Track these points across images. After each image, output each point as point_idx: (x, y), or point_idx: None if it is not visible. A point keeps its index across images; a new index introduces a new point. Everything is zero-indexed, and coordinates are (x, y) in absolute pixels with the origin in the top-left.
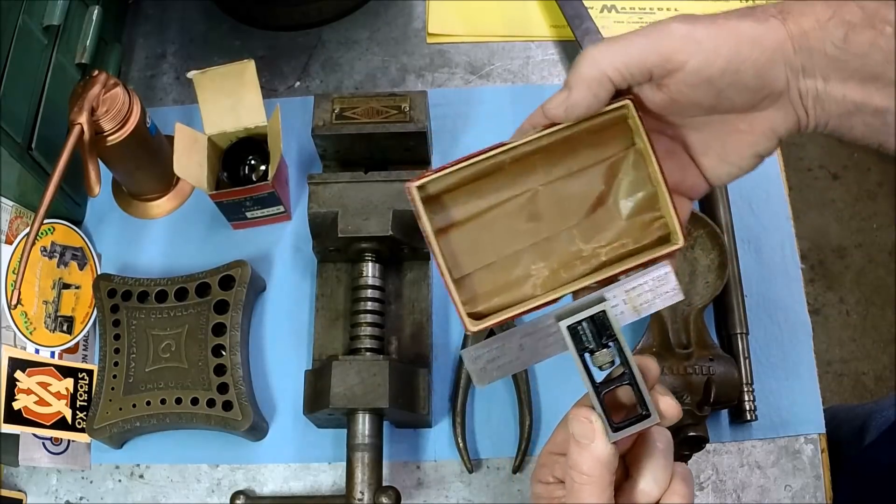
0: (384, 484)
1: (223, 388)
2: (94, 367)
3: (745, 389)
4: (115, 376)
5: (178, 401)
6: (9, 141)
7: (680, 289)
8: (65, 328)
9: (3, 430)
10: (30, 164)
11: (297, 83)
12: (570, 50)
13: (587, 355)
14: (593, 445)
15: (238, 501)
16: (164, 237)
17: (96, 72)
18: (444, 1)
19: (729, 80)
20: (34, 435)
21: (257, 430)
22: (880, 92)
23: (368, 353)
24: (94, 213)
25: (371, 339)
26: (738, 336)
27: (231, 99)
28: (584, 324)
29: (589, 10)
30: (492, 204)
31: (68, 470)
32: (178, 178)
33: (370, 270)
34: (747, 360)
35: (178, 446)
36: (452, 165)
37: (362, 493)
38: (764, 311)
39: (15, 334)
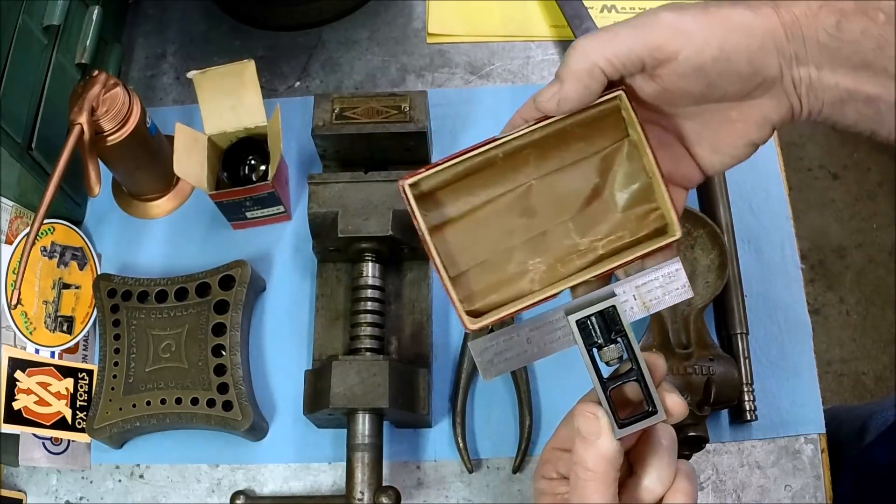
0: (384, 484)
1: (223, 388)
2: (94, 367)
3: (745, 389)
4: (115, 376)
5: (178, 401)
6: (9, 141)
7: (689, 286)
8: (65, 328)
9: (3, 430)
10: (30, 164)
11: (297, 83)
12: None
13: (595, 350)
14: (599, 441)
15: (238, 501)
16: (164, 237)
17: (96, 72)
18: (444, 1)
19: (721, 68)
20: (34, 435)
21: (257, 430)
22: (872, 80)
23: (368, 353)
24: (94, 213)
25: (371, 339)
26: (738, 336)
27: (231, 99)
28: (593, 319)
29: (589, 10)
30: (485, 200)
31: (68, 470)
32: (178, 178)
33: (370, 270)
34: (747, 360)
35: (178, 446)
36: (444, 162)
37: (362, 493)
38: (764, 311)
39: (15, 334)
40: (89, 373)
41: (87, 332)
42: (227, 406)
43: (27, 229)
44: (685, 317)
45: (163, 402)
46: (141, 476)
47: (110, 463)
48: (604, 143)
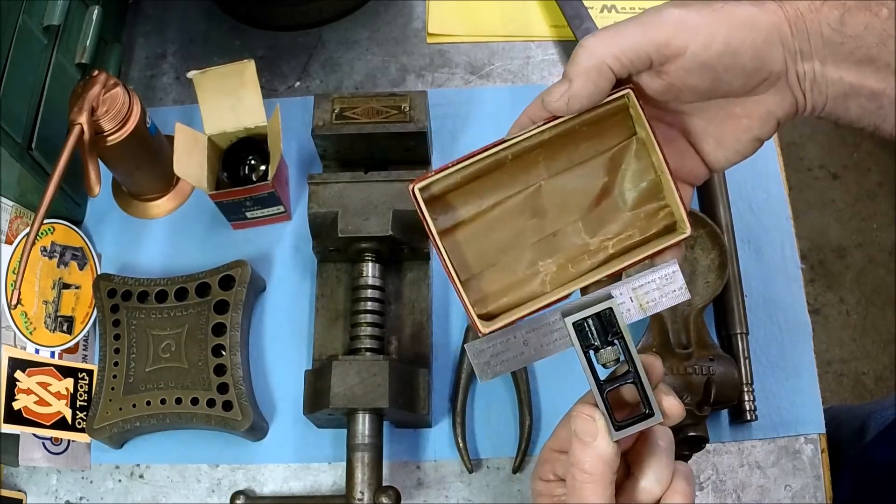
0: (384, 484)
1: (223, 388)
2: (94, 367)
3: (745, 389)
4: (115, 376)
5: (178, 401)
6: (9, 141)
7: (687, 288)
8: (65, 328)
9: (3, 430)
10: (30, 164)
11: (297, 83)
12: (569, 50)
13: (592, 353)
14: (596, 443)
15: (238, 501)
16: (164, 237)
17: (96, 72)
18: (444, 1)
19: (727, 63)
20: (34, 435)
21: (257, 430)
22: (875, 75)
23: (368, 353)
24: (94, 213)
25: (371, 339)
26: (738, 336)
27: (231, 99)
28: (590, 321)
29: (589, 10)
30: (495, 202)
31: (68, 470)
32: (178, 178)
33: (370, 270)
34: (747, 360)
35: (178, 446)
36: (454, 165)
37: (362, 493)
38: (764, 311)
39: (15, 334)
40: (89, 373)
41: (87, 332)
42: (227, 406)
43: (27, 229)
44: (685, 317)
45: (163, 402)
46: (141, 476)
47: (110, 463)
48: (612, 141)
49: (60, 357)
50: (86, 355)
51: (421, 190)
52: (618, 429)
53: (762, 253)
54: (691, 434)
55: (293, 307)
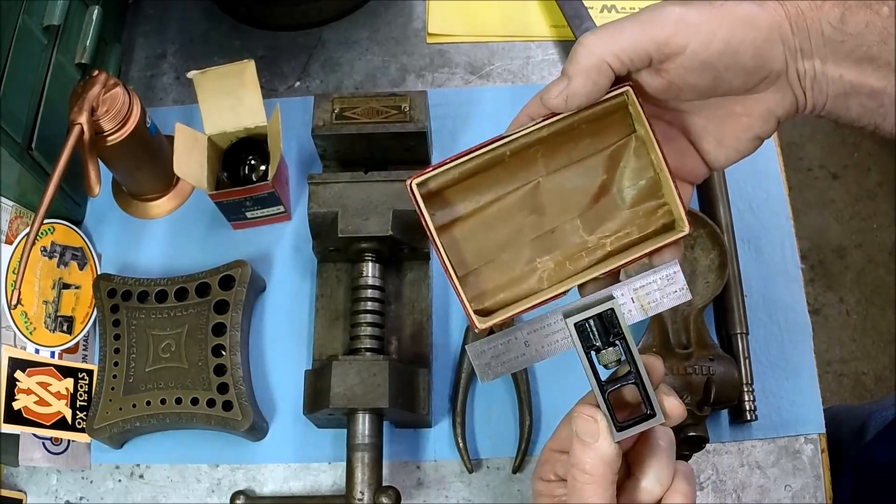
0: (384, 484)
1: (223, 388)
2: (94, 367)
3: (745, 389)
4: (115, 376)
5: (178, 401)
6: (9, 141)
7: (688, 288)
8: (65, 328)
9: (3, 430)
10: (30, 164)
11: (297, 83)
12: (569, 50)
13: (593, 353)
14: (597, 444)
15: (238, 501)
16: (164, 237)
17: (96, 72)
18: (444, 1)
19: (727, 61)
20: (34, 435)
21: (257, 430)
22: (875, 73)
23: (368, 353)
24: (94, 213)
25: (371, 339)
26: (738, 336)
27: (231, 99)
28: (592, 322)
29: (589, 10)
30: (493, 198)
31: (68, 470)
32: (178, 178)
33: (370, 270)
34: (747, 360)
35: (178, 446)
36: (452, 160)
37: (362, 493)
38: (764, 311)
39: (15, 334)
40: (89, 373)
41: (87, 332)
42: (227, 406)
43: (27, 229)
44: (685, 317)
45: (163, 402)
46: (141, 476)
47: (110, 463)
48: (611, 139)
49: (60, 357)
50: (86, 355)
51: (418, 185)
52: (619, 429)
53: (762, 253)
54: (691, 434)
55: (293, 307)
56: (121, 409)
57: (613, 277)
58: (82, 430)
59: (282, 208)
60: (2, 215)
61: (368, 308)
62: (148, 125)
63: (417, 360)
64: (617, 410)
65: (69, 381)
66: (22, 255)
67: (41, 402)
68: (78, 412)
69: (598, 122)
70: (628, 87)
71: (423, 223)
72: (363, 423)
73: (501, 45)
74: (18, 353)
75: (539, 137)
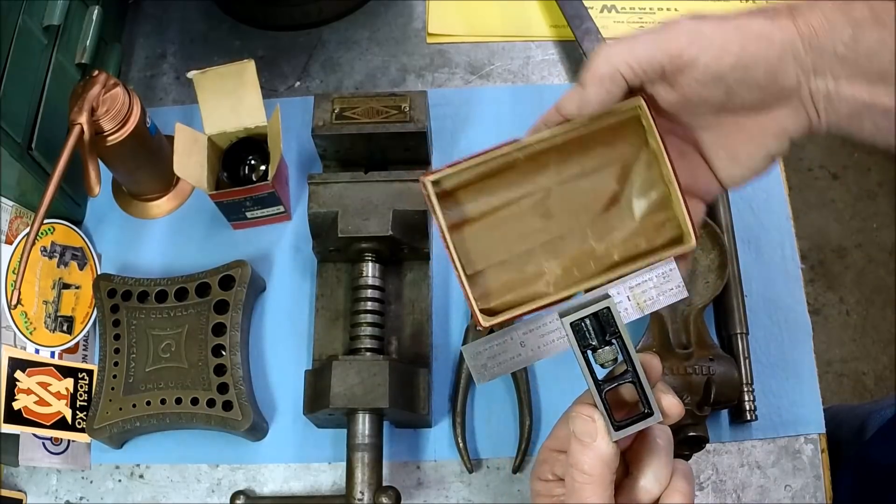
0: (384, 484)
1: (223, 388)
2: (94, 367)
3: (745, 389)
4: (115, 376)
5: (178, 401)
6: (9, 141)
7: (684, 286)
8: (65, 328)
9: (3, 430)
10: (30, 164)
11: (297, 83)
12: (569, 50)
13: (590, 353)
14: (595, 444)
15: (238, 501)
16: (164, 237)
17: (96, 72)
18: (444, 1)
19: (739, 76)
20: (34, 435)
21: (257, 430)
22: (889, 92)
23: (368, 353)
24: (94, 213)
25: (371, 339)
26: (738, 336)
27: (231, 99)
28: (588, 321)
29: (589, 10)
30: (505, 201)
31: (68, 470)
32: (178, 178)
33: (370, 270)
34: (747, 360)
35: (178, 446)
36: (467, 161)
37: (362, 493)
38: (764, 311)
39: (15, 334)
40: (89, 373)
41: (87, 332)
42: (227, 406)
43: (27, 229)
44: (685, 317)
45: (163, 402)
46: (141, 476)
47: (110, 463)
48: (624, 150)
49: (60, 357)
50: (86, 355)
51: (433, 184)
52: (617, 429)
53: (762, 253)
54: (691, 434)
55: (293, 307)
56: (121, 409)
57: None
58: (82, 430)
59: (282, 208)
60: (2, 215)
61: (368, 308)
62: (148, 125)
63: (417, 360)
64: (614, 409)
65: (69, 381)
66: (22, 255)
67: (41, 402)
68: (78, 412)
69: (611, 133)
70: (640, 97)
71: (436, 221)
72: (363, 423)
73: (501, 45)
74: (18, 353)
75: (553, 144)
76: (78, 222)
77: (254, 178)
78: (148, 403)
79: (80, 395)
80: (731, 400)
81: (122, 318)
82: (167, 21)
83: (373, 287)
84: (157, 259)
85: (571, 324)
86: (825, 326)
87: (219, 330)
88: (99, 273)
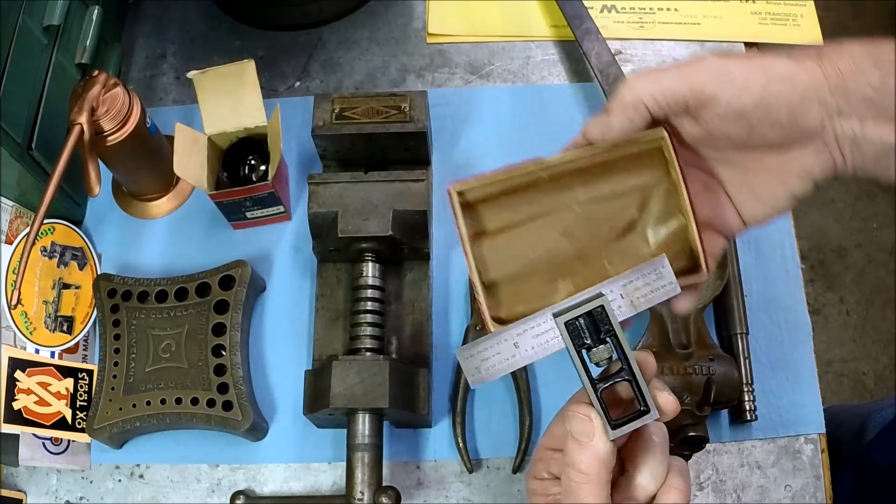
0: (384, 484)
1: (223, 388)
2: (94, 367)
3: (745, 389)
4: (115, 376)
5: (178, 401)
6: (9, 141)
7: (677, 283)
8: (65, 328)
9: (3, 430)
10: (30, 164)
11: (297, 83)
12: (569, 50)
13: (584, 352)
14: (592, 443)
15: (238, 501)
16: (164, 237)
17: (96, 72)
18: (444, 1)
19: (761, 114)
20: (34, 435)
21: (257, 430)
22: None
23: (368, 353)
24: (94, 213)
25: (371, 339)
26: (738, 336)
27: (231, 99)
28: (581, 320)
29: (589, 10)
30: (526, 217)
31: (68, 470)
32: (178, 178)
33: (370, 270)
34: (747, 360)
35: (178, 446)
36: (493, 174)
37: (362, 493)
38: (764, 311)
39: (15, 334)
40: (89, 373)
41: (87, 332)
42: (227, 406)
43: (27, 229)
44: (685, 317)
45: (163, 402)
46: (141, 476)
47: (110, 463)
48: (646, 179)
49: (60, 357)
50: (86, 355)
51: (459, 194)
52: (614, 427)
53: (762, 253)
54: (691, 434)
55: (293, 307)
56: (121, 409)
57: None
58: (82, 430)
59: (282, 208)
60: (2, 215)
61: (368, 308)
62: (148, 125)
63: (417, 360)
64: (610, 408)
65: (69, 381)
66: (22, 255)
67: (41, 402)
68: (78, 412)
69: (635, 161)
70: (662, 129)
71: (458, 230)
72: (363, 423)
73: (501, 45)
74: (18, 353)
75: (577, 167)
76: (78, 222)
77: (254, 178)
78: (148, 403)
79: (80, 395)
80: (731, 400)
81: (122, 318)
82: (167, 21)
83: (373, 287)
84: (157, 259)
85: (566, 323)
86: (825, 326)
87: (219, 330)
88: (99, 273)
